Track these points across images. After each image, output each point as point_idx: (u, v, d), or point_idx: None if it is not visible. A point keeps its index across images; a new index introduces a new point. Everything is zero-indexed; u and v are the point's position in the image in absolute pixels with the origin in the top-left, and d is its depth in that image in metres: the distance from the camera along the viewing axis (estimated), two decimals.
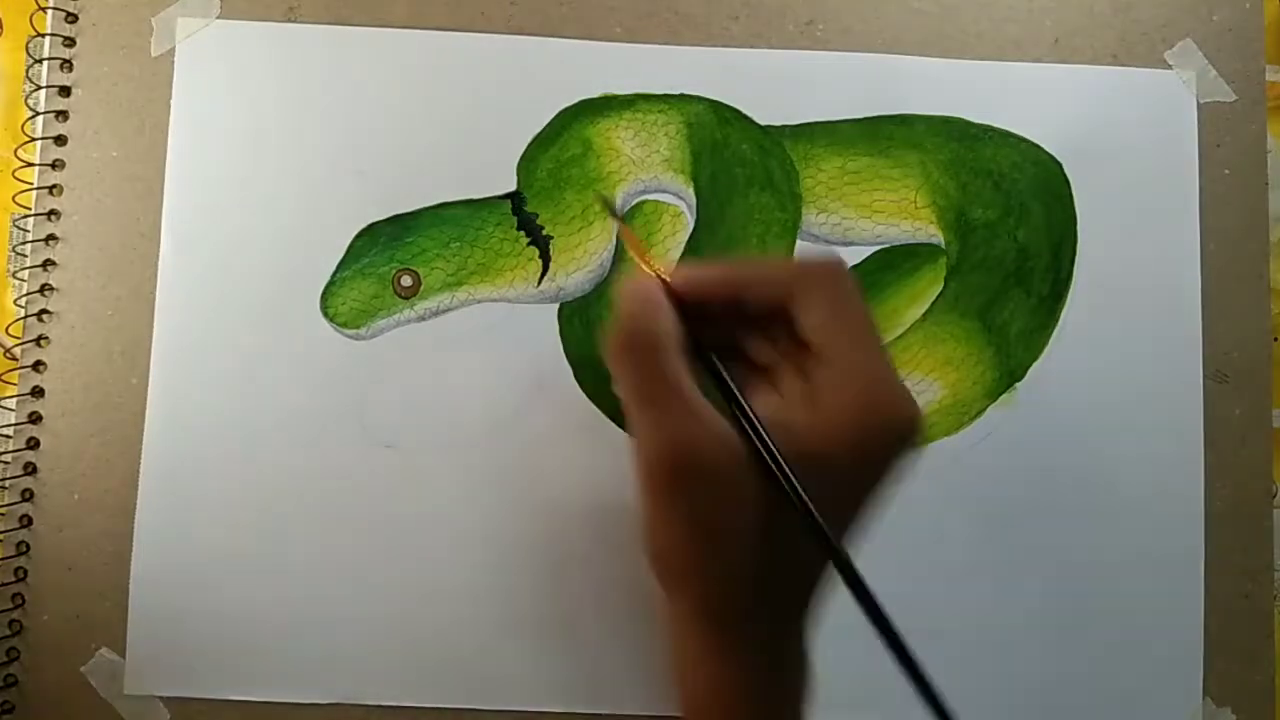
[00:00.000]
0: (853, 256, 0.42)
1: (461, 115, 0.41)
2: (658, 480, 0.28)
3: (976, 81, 0.42)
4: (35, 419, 0.40)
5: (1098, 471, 0.41)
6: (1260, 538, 0.41)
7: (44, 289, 0.40)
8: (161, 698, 0.39)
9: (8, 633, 0.39)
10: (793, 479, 0.27)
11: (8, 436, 0.40)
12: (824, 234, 0.42)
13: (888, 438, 0.28)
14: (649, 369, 0.28)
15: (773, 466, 0.28)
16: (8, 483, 0.40)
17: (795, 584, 0.30)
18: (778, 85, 0.42)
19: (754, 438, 0.28)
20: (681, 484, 0.28)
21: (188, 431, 0.40)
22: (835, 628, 0.40)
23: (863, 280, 0.42)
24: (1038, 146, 0.42)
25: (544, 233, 0.41)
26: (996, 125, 0.42)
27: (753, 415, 0.28)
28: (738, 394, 0.29)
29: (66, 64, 0.41)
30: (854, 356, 0.29)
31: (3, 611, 0.39)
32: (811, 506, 0.27)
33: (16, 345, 0.40)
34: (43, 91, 0.41)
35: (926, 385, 0.41)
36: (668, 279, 0.30)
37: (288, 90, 0.41)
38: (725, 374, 0.29)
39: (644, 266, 0.32)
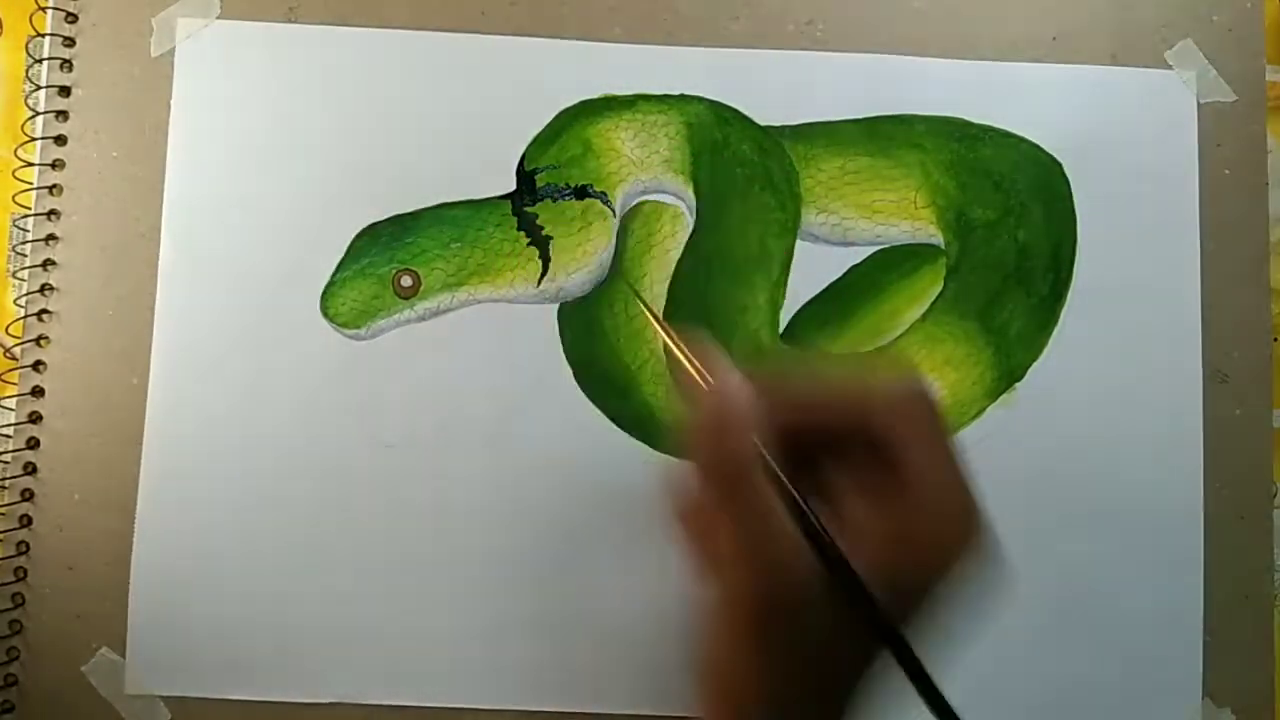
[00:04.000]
0: (853, 256, 0.42)
1: (461, 115, 0.41)
2: (739, 619, 0.26)
3: (976, 81, 0.42)
4: (35, 419, 0.40)
5: (1097, 471, 0.41)
6: (1260, 538, 0.41)
7: (44, 289, 0.40)
8: (162, 697, 0.39)
9: (8, 632, 0.39)
10: (873, 599, 0.26)
11: (8, 436, 0.40)
12: (824, 234, 0.42)
13: (963, 553, 0.27)
14: (738, 497, 0.26)
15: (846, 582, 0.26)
16: (8, 482, 0.40)
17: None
18: (778, 85, 0.42)
19: (831, 559, 0.26)
20: (766, 629, 0.26)
21: (188, 431, 0.40)
22: None
23: (862, 280, 0.42)
24: (1038, 146, 0.42)
25: (544, 233, 0.41)
26: (996, 125, 0.42)
27: (829, 537, 0.26)
28: (819, 523, 0.27)
29: (66, 64, 0.41)
30: (938, 481, 0.28)
31: (3, 611, 0.39)
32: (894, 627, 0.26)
33: (16, 345, 0.40)
34: (43, 91, 0.41)
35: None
36: (746, 389, 0.28)
37: (288, 90, 0.41)
38: (804, 503, 0.27)
39: (713, 377, 0.28)
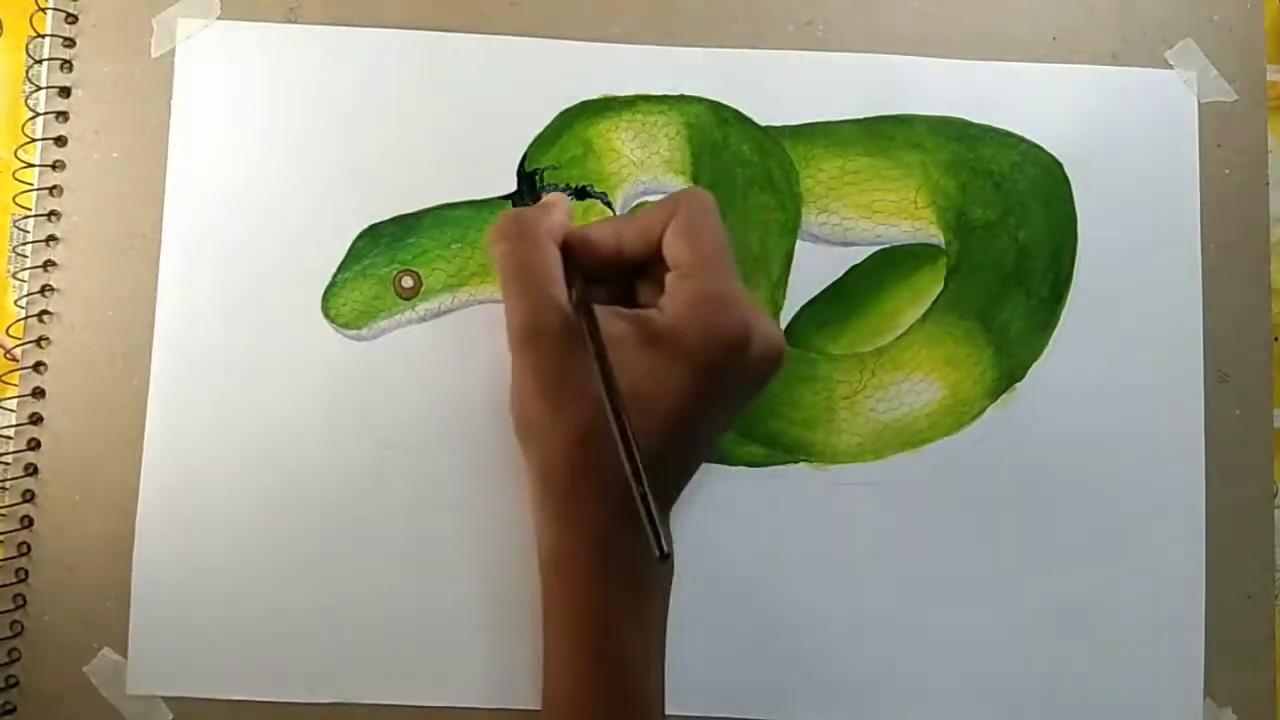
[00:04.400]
0: (853, 256, 0.42)
1: (461, 115, 0.41)
2: (513, 344, 0.34)
3: (976, 81, 0.42)
4: (36, 420, 0.40)
5: (1098, 471, 0.41)
6: (1260, 538, 0.41)
7: (44, 290, 0.40)
8: (163, 697, 0.39)
9: (9, 633, 0.39)
10: (606, 360, 0.32)
11: (9, 438, 0.40)
12: (824, 234, 0.42)
13: (720, 338, 0.33)
14: (513, 252, 0.34)
15: (590, 340, 0.32)
16: (9, 484, 0.40)
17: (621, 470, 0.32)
18: (778, 85, 0.42)
19: (588, 324, 0.33)
20: (528, 345, 0.33)
21: (188, 432, 0.40)
22: (839, 631, 0.40)
23: (862, 280, 0.42)
24: (1038, 146, 0.42)
25: None
26: (996, 125, 0.42)
27: (585, 299, 0.34)
28: (580, 288, 0.34)
29: (66, 64, 0.41)
30: (695, 265, 0.34)
31: (4, 612, 0.39)
32: (619, 398, 0.31)
33: (17, 346, 0.40)
34: (43, 92, 0.41)
35: (926, 385, 0.41)
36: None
37: (288, 90, 0.41)
38: (570, 270, 0.35)
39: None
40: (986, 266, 0.42)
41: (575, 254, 0.35)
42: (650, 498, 0.30)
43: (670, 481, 0.35)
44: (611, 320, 0.34)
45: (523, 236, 0.34)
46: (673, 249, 0.34)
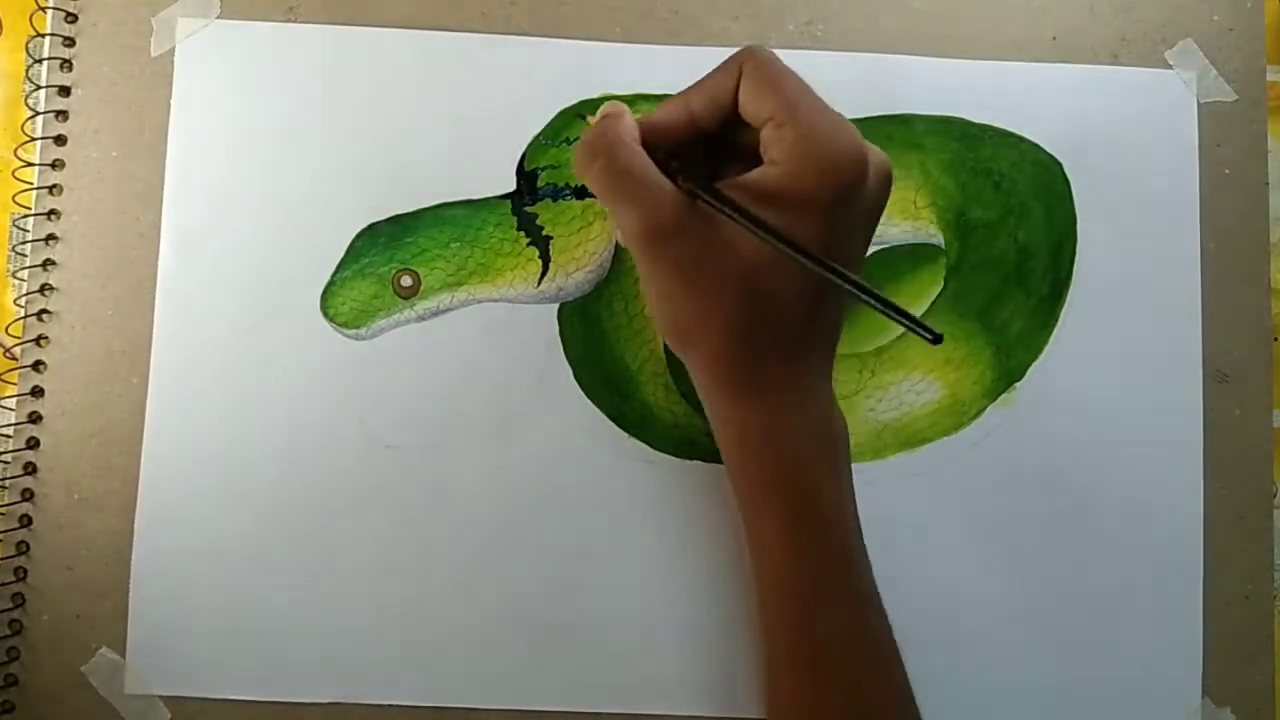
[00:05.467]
0: None
1: (461, 115, 0.41)
2: (640, 253, 0.33)
3: (976, 81, 0.42)
4: (35, 419, 0.40)
5: (1097, 471, 0.41)
6: (1260, 538, 0.41)
7: (44, 289, 0.40)
8: (162, 697, 0.39)
9: (8, 632, 0.39)
10: (763, 222, 0.31)
11: (8, 436, 0.40)
12: None
13: (842, 167, 0.32)
14: (609, 165, 0.33)
15: (733, 215, 0.31)
16: (8, 482, 0.40)
17: (792, 329, 0.33)
18: None
19: (718, 200, 0.32)
20: (656, 246, 0.33)
21: (188, 431, 0.40)
22: None
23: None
24: (1038, 146, 0.42)
25: (544, 233, 0.41)
26: (996, 125, 0.42)
27: (695, 177, 0.33)
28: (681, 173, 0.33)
29: (66, 64, 0.41)
30: (788, 108, 0.32)
31: (3, 611, 0.39)
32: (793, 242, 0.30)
33: (16, 345, 0.40)
34: (42, 91, 0.41)
35: (926, 385, 0.41)
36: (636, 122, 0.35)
37: (288, 90, 0.41)
38: (673, 163, 0.33)
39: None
40: (986, 266, 0.42)
41: (656, 142, 0.34)
42: (881, 295, 0.29)
43: (835, 326, 0.35)
44: (724, 193, 0.32)
45: (609, 149, 0.33)
46: (755, 103, 0.33)
